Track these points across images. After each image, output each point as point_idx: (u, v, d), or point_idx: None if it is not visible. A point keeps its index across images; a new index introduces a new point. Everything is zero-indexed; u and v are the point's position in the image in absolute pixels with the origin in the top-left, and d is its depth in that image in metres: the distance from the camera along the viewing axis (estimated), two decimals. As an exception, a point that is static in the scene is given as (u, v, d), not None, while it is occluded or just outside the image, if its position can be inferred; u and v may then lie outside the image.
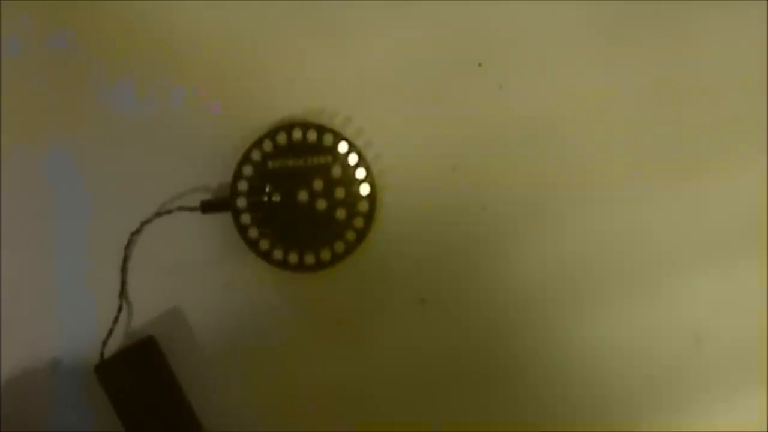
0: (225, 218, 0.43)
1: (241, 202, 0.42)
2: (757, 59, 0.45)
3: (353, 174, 0.43)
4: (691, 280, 0.44)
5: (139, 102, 0.44)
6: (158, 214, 0.43)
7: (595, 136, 0.44)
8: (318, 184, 0.43)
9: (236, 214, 0.42)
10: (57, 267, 0.43)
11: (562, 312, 0.44)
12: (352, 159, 0.43)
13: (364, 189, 0.43)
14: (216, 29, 0.44)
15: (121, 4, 0.44)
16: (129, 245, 0.43)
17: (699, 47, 0.45)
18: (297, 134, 0.43)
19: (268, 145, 0.43)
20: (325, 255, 0.42)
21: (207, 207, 0.43)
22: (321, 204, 0.42)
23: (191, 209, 0.43)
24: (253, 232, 0.42)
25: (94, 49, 0.44)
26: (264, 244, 0.42)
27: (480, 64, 0.44)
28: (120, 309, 0.43)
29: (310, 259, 0.42)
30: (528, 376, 0.44)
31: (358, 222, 0.43)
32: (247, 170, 0.43)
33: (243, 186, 0.42)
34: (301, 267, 0.42)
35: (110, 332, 0.42)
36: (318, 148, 0.43)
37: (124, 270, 0.43)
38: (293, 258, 0.42)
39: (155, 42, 0.44)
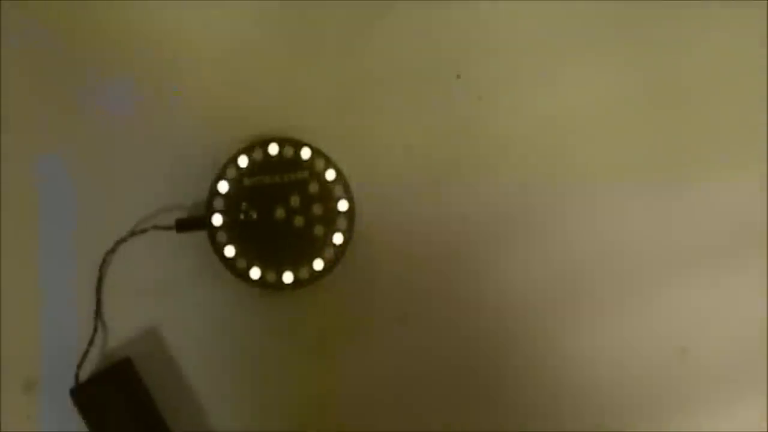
0: (201, 237, 0.42)
1: (217, 220, 0.42)
2: (756, 63, 0.44)
3: (331, 190, 0.42)
4: (677, 291, 0.43)
5: (123, 114, 0.43)
6: (133, 233, 0.42)
7: (577, 147, 0.44)
8: (295, 201, 0.42)
9: (212, 232, 0.42)
10: (38, 286, 0.42)
11: (547, 324, 0.43)
12: (330, 174, 0.42)
13: (343, 205, 0.42)
14: (190, 46, 0.43)
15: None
16: (103, 265, 0.42)
17: (686, 53, 0.45)
18: (273, 150, 0.42)
19: (243, 162, 0.42)
20: (304, 273, 0.42)
21: (182, 225, 0.42)
22: (299, 221, 0.42)
23: (166, 228, 0.42)
24: (230, 251, 0.41)
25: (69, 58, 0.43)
26: (241, 263, 0.42)
27: (458, 76, 0.44)
28: (95, 330, 0.42)
29: (288, 277, 0.42)
30: (512, 391, 0.43)
31: (337, 238, 0.42)
32: (223, 187, 0.42)
33: (219, 203, 0.42)
34: (279, 285, 0.42)
35: (85, 354, 0.42)
36: (295, 164, 0.42)
37: (98, 290, 0.42)
38: (271, 276, 0.42)
39: (131, 57, 0.43)
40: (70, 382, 0.41)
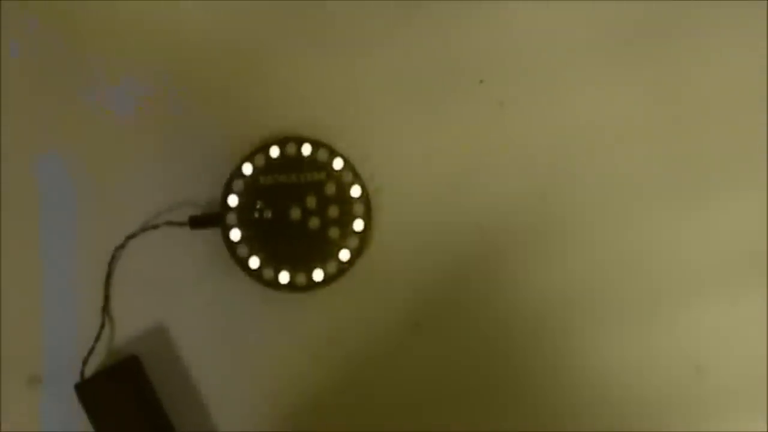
0: (214, 234, 0.41)
1: (231, 218, 0.41)
2: (762, 78, 0.44)
3: (348, 192, 0.41)
4: (692, 309, 0.43)
5: (130, 113, 0.43)
6: (144, 229, 0.41)
7: (597, 156, 0.43)
8: (311, 202, 0.41)
9: (226, 230, 0.41)
10: (42, 282, 0.42)
11: (561, 338, 0.42)
12: (348, 176, 0.41)
13: (359, 208, 0.41)
14: (209, 41, 0.43)
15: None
16: (113, 260, 0.42)
17: (706, 64, 0.44)
18: (291, 149, 0.41)
19: (260, 160, 0.41)
20: (317, 275, 0.41)
21: (195, 222, 0.41)
22: (314, 222, 0.41)
23: (179, 224, 0.41)
24: (243, 250, 0.41)
25: (87, 57, 0.43)
26: (254, 263, 0.41)
27: (481, 81, 0.43)
28: (102, 326, 0.41)
29: (301, 278, 0.41)
30: (525, 403, 0.42)
31: (352, 242, 0.41)
32: (238, 185, 0.41)
33: (233, 201, 0.41)
34: (292, 287, 0.41)
35: (91, 350, 0.41)
36: (312, 164, 0.41)
37: (107, 286, 0.41)
38: (284, 277, 0.41)
39: (149, 54, 0.43)
40: (74, 379, 0.40)
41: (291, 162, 0.41)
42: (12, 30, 0.43)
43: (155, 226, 0.41)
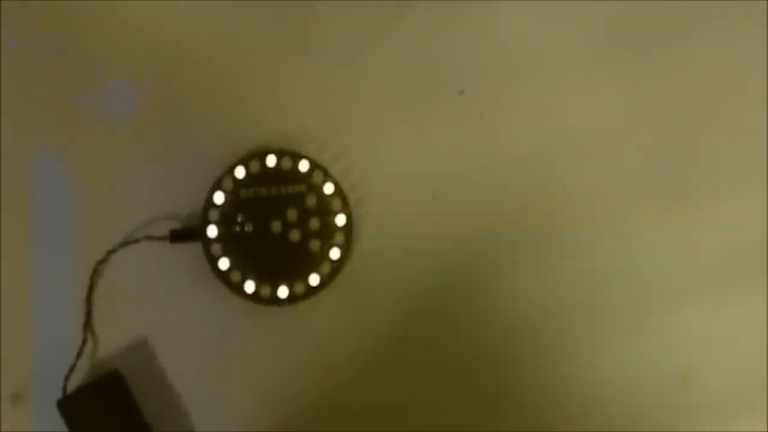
0: (195, 248, 0.41)
1: (212, 232, 0.41)
2: (764, 86, 0.44)
3: (329, 204, 0.41)
4: (678, 319, 0.43)
5: (110, 124, 0.42)
6: (125, 243, 0.41)
7: (580, 167, 0.43)
8: (292, 214, 0.41)
9: (206, 244, 0.41)
10: (26, 296, 0.41)
11: (546, 349, 0.42)
12: (328, 188, 0.41)
13: (341, 219, 0.41)
14: (186, 58, 0.43)
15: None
16: (95, 275, 0.41)
17: (693, 75, 0.44)
18: (271, 161, 0.41)
19: (240, 173, 0.41)
20: (299, 288, 0.41)
21: (176, 236, 0.41)
22: (295, 235, 0.41)
23: (160, 238, 0.41)
24: (224, 263, 0.41)
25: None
26: (235, 276, 0.41)
27: (461, 92, 0.43)
28: (84, 341, 0.41)
29: (283, 292, 0.41)
30: (512, 412, 0.42)
31: (334, 254, 0.41)
32: (219, 198, 0.41)
33: (214, 215, 0.41)
34: (274, 300, 0.41)
35: (73, 366, 0.41)
36: (292, 177, 0.41)
37: (89, 301, 0.41)
38: (265, 291, 0.41)
39: (124, 72, 0.43)
40: (56, 395, 0.40)
41: (271, 175, 0.41)
42: (11, 32, 0.42)
43: (136, 240, 0.41)
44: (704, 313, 0.43)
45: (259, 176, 0.41)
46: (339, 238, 0.41)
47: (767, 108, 0.44)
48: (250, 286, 0.41)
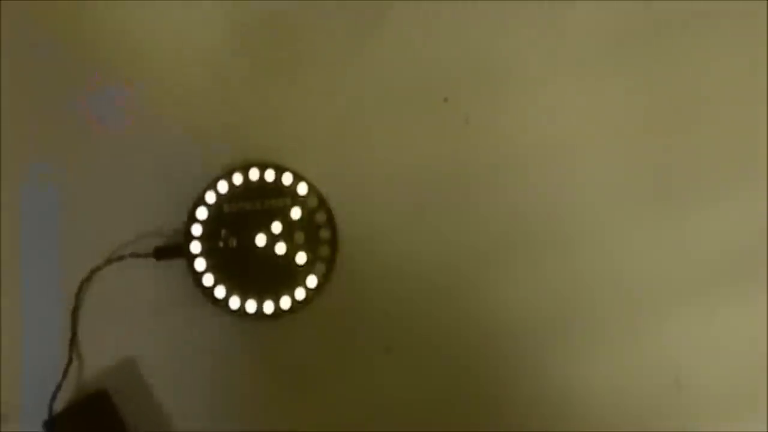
0: (179, 264, 0.41)
1: (196, 248, 0.40)
2: (761, 89, 0.43)
3: (314, 217, 0.41)
4: (672, 323, 0.42)
5: (94, 143, 0.42)
6: (109, 261, 0.41)
7: (566, 172, 0.43)
8: (277, 228, 0.41)
9: (190, 260, 0.40)
10: (14, 316, 0.41)
11: (537, 356, 0.42)
12: (313, 201, 0.41)
13: (326, 232, 0.41)
14: (169, 66, 0.42)
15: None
16: (80, 293, 0.41)
17: (680, 78, 0.43)
18: (254, 175, 0.41)
19: (223, 187, 0.41)
20: (285, 302, 0.40)
21: (161, 253, 0.41)
22: (280, 249, 0.40)
23: (144, 256, 0.40)
24: (209, 279, 0.40)
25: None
26: (220, 292, 0.40)
27: (446, 99, 0.42)
28: (70, 361, 0.41)
29: (269, 306, 0.40)
30: (501, 422, 0.42)
31: (320, 267, 0.41)
32: (202, 214, 0.41)
33: (197, 230, 0.40)
34: (259, 315, 0.40)
35: (59, 386, 0.40)
36: (276, 190, 0.41)
37: (74, 319, 0.41)
38: (251, 306, 0.40)
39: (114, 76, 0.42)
40: (42, 415, 0.40)
41: (255, 188, 0.41)
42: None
43: (120, 258, 0.41)
44: (699, 318, 0.42)
45: (243, 190, 0.41)
46: (324, 251, 0.41)
47: (766, 110, 0.43)
48: (235, 302, 0.40)
